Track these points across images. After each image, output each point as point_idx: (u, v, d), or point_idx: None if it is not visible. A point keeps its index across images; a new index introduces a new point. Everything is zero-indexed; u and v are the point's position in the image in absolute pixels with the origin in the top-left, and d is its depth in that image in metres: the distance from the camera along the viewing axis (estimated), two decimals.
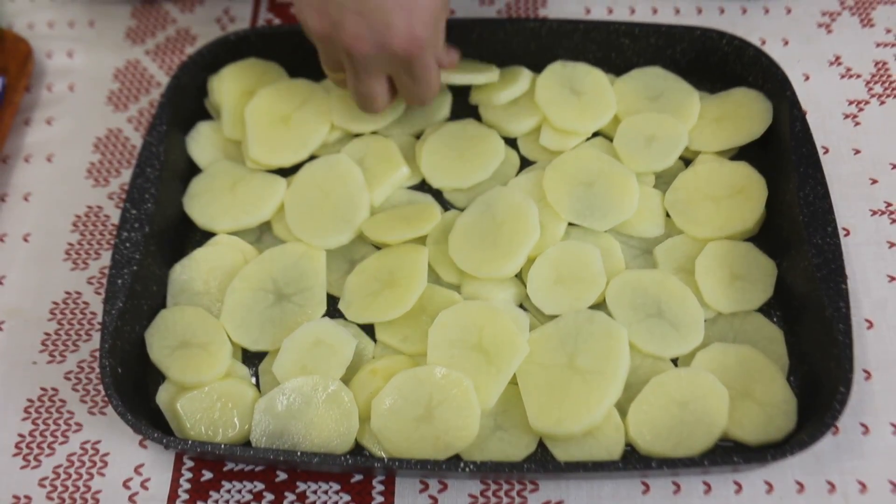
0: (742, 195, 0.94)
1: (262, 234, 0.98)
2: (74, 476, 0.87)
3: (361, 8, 0.83)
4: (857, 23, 1.11)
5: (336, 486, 0.85)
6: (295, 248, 0.94)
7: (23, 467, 0.88)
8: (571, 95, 1.01)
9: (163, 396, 0.88)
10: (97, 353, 0.92)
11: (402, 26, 0.84)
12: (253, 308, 0.91)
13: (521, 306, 0.91)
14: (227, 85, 1.04)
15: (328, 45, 0.88)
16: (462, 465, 0.78)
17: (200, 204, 0.98)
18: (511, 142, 1.02)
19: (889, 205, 0.97)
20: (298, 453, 0.81)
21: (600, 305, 0.90)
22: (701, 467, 0.78)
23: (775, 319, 0.89)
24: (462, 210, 0.96)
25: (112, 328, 0.86)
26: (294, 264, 0.93)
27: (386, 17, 0.83)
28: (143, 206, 0.93)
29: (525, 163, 1.01)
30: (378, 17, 0.83)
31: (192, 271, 0.94)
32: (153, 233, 0.93)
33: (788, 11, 1.12)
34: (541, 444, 0.84)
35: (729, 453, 0.82)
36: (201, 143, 1.03)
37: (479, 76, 1.02)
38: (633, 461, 0.81)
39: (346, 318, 0.92)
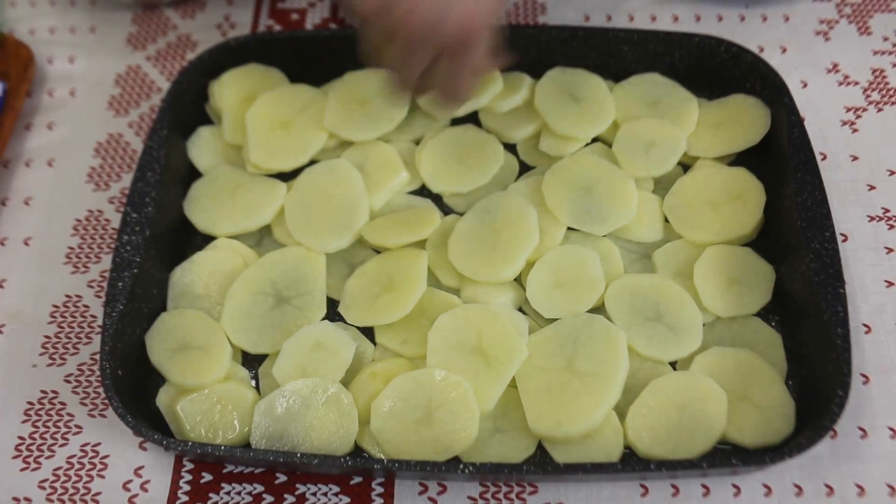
0: (740, 200, 0.94)
1: (262, 238, 0.99)
2: (74, 478, 0.87)
3: None
4: (855, 31, 1.11)
5: (335, 489, 0.85)
6: (295, 252, 0.94)
7: (23, 469, 0.88)
8: (571, 101, 1.02)
9: (163, 398, 0.88)
10: (97, 356, 0.92)
11: (463, 5, 0.80)
12: (253, 311, 0.91)
13: (520, 310, 0.92)
14: (227, 90, 1.05)
15: (377, 21, 0.83)
16: (461, 466, 0.78)
17: (201, 208, 0.99)
18: (510, 147, 1.03)
19: (887, 211, 0.97)
20: (298, 454, 0.81)
21: (599, 309, 0.90)
22: (699, 469, 0.79)
23: (773, 324, 0.90)
24: (462, 215, 0.96)
25: (112, 330, 0.86)
26: (294, 268, 0.94)
27: None
28: (143, 210, 0.94)
29: (524, 168, 1.01)
30: None
31: (192, 275, 0.95)
32: (154, 236, 0.93)
33: (786, 19, 1.13)
34: (540, 447, 0.84)
35: (727, 456, 0.82)
36: (202, 147, 1.03)
37: (483, 98, 1.02)
38: (632, 463, 0.81)
39: (345, 322, 0.92)
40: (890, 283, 0.93)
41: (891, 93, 1.06)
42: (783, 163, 0.93)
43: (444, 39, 0.81)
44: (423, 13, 0.79)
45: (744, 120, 0.99)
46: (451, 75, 0.86)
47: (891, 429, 0.85)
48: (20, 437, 0.90)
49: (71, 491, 0.86)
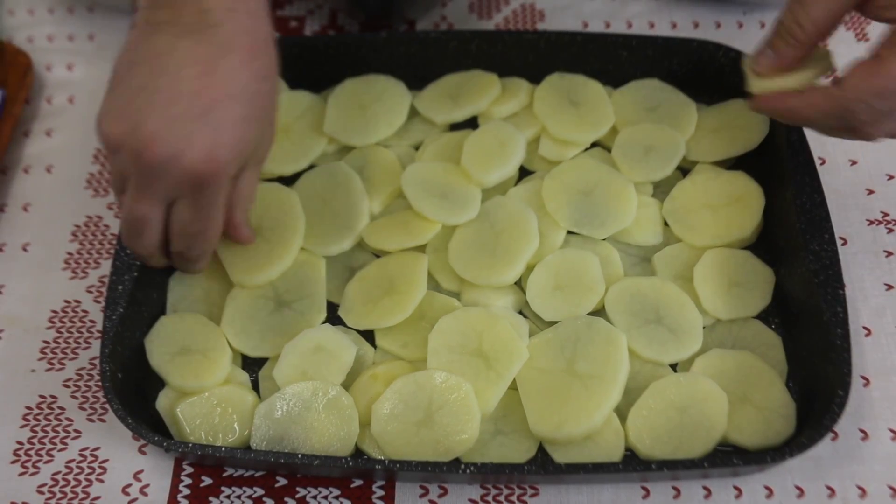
0: (740, 204, 0.94)
1: None
2: (73, 483, 0.87)
3: (166, 113, 0.73)
4: (853, 37, 1.12)
5: (336, 492, 0.85)
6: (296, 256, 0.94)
7: (21, 474, 0.87)
8: (570, 106, 1.02)
9: (163, 402, 0.88)
10: (96, 361, 0.93)
11: (204, 141, 0.74)
12: (254, 315, 0.91)
13: (520, 313, 0.92)
14: None
15: (119, 153, 0.76)
16: (462, 467, 0.78)
17: None
18: None
19: (886, 215, 0.97)
20: (299, 456, 0.80)
21: (599, 312, 0.90)
22: (700, 469, 0.78)
23: (774, 326, 0.90)
24: None
25: (112, 333, 0.86)
26: (295, 272, 0.93)
27: (188, 126, 0.73)
28: None
29: (524, 172, 1.01)
30: (181, 125, 0.73)
31: (191, 278, 0.94)
32: None
33: None
34: (541, 449, 0.84)
35: (728, 455, 0.82)
36: None
37: (482, 103, 1.03)
38: (633, 463, 0.81)
39: (346, 325, 0.92)
40: (890, 287, 0.93)
41: None
42: (782, 166, 0.93)
43: (181, 178, 0.75)
44: (163, 144, 0.73)
45: (742, 124, 0.99)
46: (185, 220, 0.79)
47: (892, 430, 0.85)
48: (18, 442, 0.89)
49: (70, 495, 0.86)
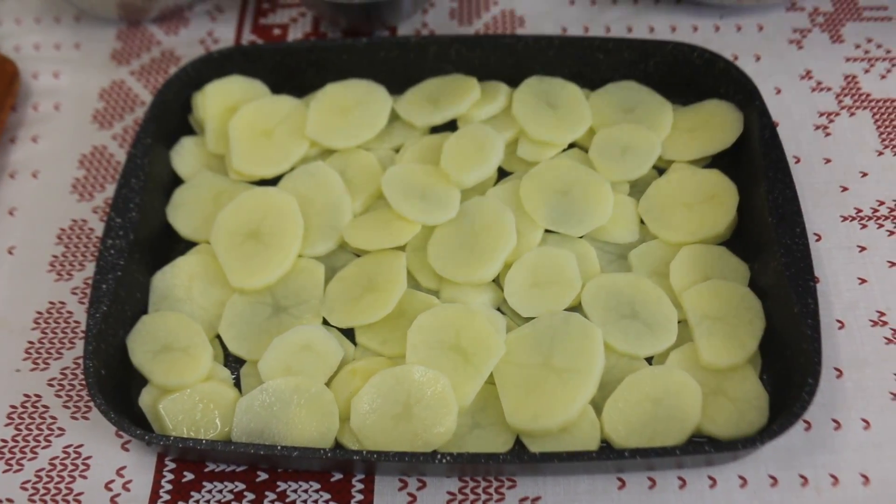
0: (714, 201, 0.95)
1: None
2: (57, 479, 0.88)
3: None
4: (827, 39, 1.13)
5: (316, 486, 0.86)
6: (295, 262, 0.95)
7: (5, 471, 0.88)
8: (547, 108, 1.03)
9: (145, 399, 0.89)
10: (80, 361, 0.94)
11: None
12: (251, 320, 0.92)
13: (498, 310, 0.93)
14: (210, 101, 1.06)
15: None
16: (439, 456, 0.79)
17: (184, 214, 1.00)
18: None
19: (859, 211, 0.99)
20: (278, 447, 0.81)
21: (576, 308, 0.91)
22: (673, 457, 0.79)
23: None
24: None
25: (96, 331, 0.87)
26: (293, 277, 0.95)
27: None
28: (127, 215, 0.95)
29: (503, 174, 1.03)
30: None
31: (173, 278, 0.95)
32: (137, 241, 0.94)
33: (760, 28, 1.15)
34: (518, 442, 0.85)
35: (701, 444, 0.83)
36: (185, 157, 1.05)
37: (462, 106, 1.04)
38: (607, 452, 0.82)
39: (328, 324, 0.93)
40: (862, 280, 0.94)
41: (863, 97, 1.07)
42: (755, 163, 0.94)
43: None
44: None
45: (717, 124, 1.00)
46: None
47: (864, 420, 0.86)
48: (3, 440, 0.90)
49: (53, 491, 0.87)
